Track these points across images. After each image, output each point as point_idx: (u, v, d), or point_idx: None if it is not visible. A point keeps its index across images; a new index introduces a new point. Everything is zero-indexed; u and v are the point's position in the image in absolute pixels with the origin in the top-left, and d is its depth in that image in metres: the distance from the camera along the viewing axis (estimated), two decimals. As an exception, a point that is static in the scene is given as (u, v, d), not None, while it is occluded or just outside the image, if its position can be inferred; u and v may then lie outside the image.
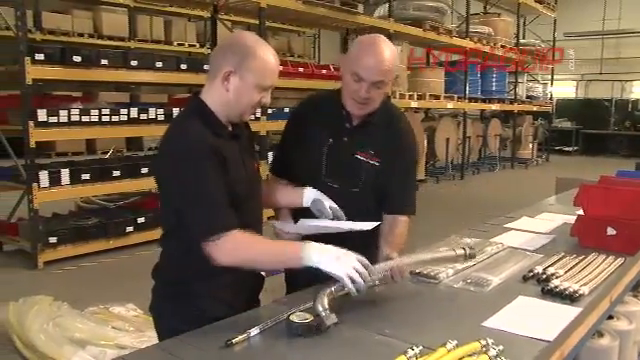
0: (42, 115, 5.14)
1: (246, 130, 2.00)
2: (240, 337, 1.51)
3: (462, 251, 1.99)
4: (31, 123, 5.05)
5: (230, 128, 1.89)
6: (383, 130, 2.16)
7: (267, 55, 1.82)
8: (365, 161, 2.13)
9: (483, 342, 1.41)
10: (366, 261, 1.70)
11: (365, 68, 2.00)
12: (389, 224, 2.11)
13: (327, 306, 1.62)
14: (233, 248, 1.71)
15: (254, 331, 1.56)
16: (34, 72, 5.05)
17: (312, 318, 1.60)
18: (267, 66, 1.82)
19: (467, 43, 11.71)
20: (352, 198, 2.12)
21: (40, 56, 5.13)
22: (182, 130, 1.81)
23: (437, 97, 10.96)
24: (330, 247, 1.72)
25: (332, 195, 2.09)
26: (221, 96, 1.83)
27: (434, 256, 1.98)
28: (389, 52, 2.02)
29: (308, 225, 2.05)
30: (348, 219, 2.05)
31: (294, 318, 1.59)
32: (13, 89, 5.59)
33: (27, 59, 4.99)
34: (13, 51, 5.09)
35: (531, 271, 2.09)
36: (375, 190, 2.15)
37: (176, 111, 6.16)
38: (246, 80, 1.80)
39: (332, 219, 2.05)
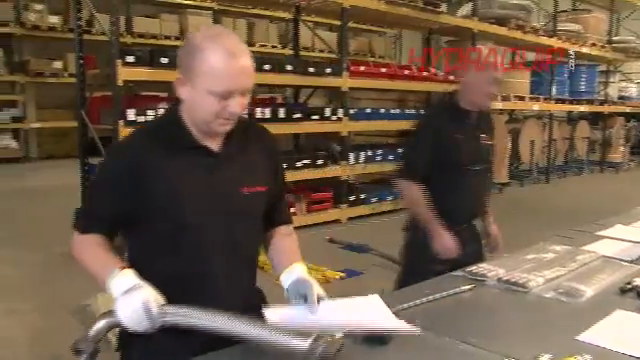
0: (131, 115, 5.31)
1: (256, 144, 1.74)
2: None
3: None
4: (121, 122, 5.22)
5: (205, 142, 1.62)
6: (485, 117, 2.96)
7: (216, 55, 1.49)
8: (487, 143, 2.88)
9: (579, 358, 1.33)
10: (158, 299, 1.45)
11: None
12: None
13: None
14: (75, 249, 1.64)
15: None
16: (125, 74, 5.24)
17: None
18: (215, 69, 1.50)
19: (554, 42, 11.29)
20: (487, 175, 2.94)
21: (130, 58, 5.30)
22: (128, 135, 1.72)
23: (522, 98, 10.62)
24: (127, 280, 1.47)
25: (476, 178, 2.79)
26: (184, 104, 1.62)
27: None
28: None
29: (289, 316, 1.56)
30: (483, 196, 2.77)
31: None
32: (108, 90, 5.83)
33: (118, 61, 5.18)
34: (108, 54, 5.30)
35: (629, 283, 1.97)
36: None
37: (258, 111, 6.26)
38: (196, 86, 1.53)
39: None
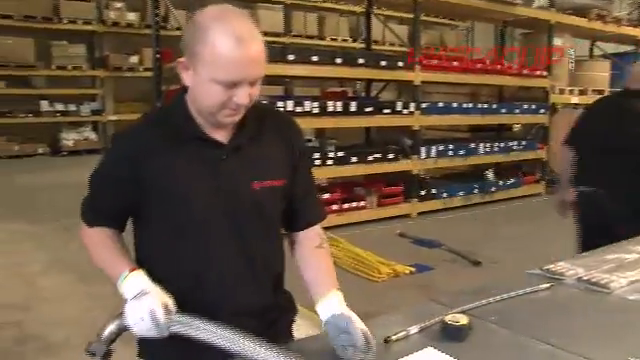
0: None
1: (279, 135, 1.59)
2: (399, 334, 1.49)
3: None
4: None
5: (213, 133, 1.48)
6: None
7: (221, 41, 1.32)
8: None
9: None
10: (169, 304, 1.38)
11: None
12: None
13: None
14: (85, 242, 1.58)
15: (413, 329, 1.53)
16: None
17: (467, 321, 1.54)
18: (220, 56, 1.32)
19: (639, 32, 10.80)
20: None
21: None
22: (132, 123, 1.59)
23: (601, 92, 10.21)
24: (138, 283, 1.41)
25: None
26: (189, 91, 1.47)
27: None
28: None
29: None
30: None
31: (448, 320, 1.54)
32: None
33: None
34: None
35: None
36: None
37: (330, 104, 6.27)
38: (199, 73, 1.36)
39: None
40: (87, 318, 3.91)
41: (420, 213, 7.25)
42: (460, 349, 1.46)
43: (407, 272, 4.95)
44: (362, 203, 6.78)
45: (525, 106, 8.50)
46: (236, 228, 1.50)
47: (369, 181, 7.20)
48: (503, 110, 8.23)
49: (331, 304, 1.47)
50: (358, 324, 1.38)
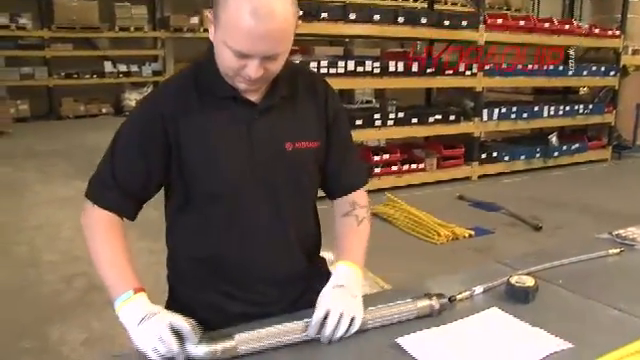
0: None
1: (315, 99, 1.50)
2: (464, 294, 1.47)
3: (426, 302, 1.41)
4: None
5: (244, 93, 1.39)
6: None
7: (239, 7, 1.22)
8: None
9: None
10: (182, 325, 1.20)
11: None
12: None
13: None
14: (85, 225, 1.43)
15: (478, 289, 1.51)
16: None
17: (533, 283, 1.51)
18: (233, 23, 1.24)
19: None
20: None
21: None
22: (159, 85, 1.46)
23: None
24: (143, 306, 1.27)
25: None
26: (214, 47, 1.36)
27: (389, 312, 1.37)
28: None
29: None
30: None
31: (514, 281, 1.52)
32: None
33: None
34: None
35: None
36: None
37: (392, 64, 6.18)
38: (217, 34, 1.29)
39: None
40: (149, 272, 4.00)
41: (480, 176, 7.13)
42: (525, 311, 1.44)
43: (466, 235, 4.89)
44: (421, 165, 6.71)
45: (594, 68, 8.16)
46: (270, 192, 1.44)
47: (429, 143, 7.11)
48: (570, 72, 7.92)
49: (336, 274, 1.42)
50: (341, 306, 1.30)
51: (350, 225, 1.54)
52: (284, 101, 1.44)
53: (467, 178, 7.04)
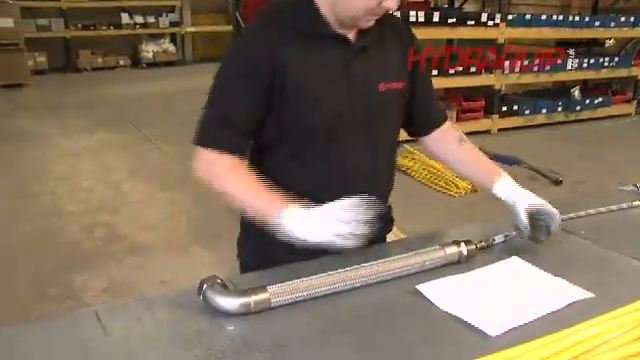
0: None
1: (402, 39, 1.56)
2: (485, 243, 1.46)
3: (454, 249, 1.41)
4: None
5: (342, 31, 1.42)
6: None
7: None
8: None
9: None
10: (348, 202, 1.30)
11: None
12: None
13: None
14: (208, 175, 1.44)
15: (499, 238, 1.50)
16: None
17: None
18: None
19: None
20: None
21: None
22: (256, 21, 1.48)
23: None
24: (306, 210, 1.33)
25: None
26: None
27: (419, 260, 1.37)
28: None
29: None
30: None
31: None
32: None
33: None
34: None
35: None
36: None
37: (412, 14, 5.98)
38: None
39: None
40: (168, 222, 4.11)
41: (500, 129, 7.03)
42: (547, 261, 1.43)
43: (485, 188, 4.85)
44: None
45: (622, 19, 7.91)
46: (366, 132, 1.49)
47: (449, 95, 7.01)
48: (596, 23, 7.69)
49: (510, 186, 1.69)
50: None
51: (476, 150, 1.79)
52: (374, 42, 1.47)
53: (487, 131, 6.96)
